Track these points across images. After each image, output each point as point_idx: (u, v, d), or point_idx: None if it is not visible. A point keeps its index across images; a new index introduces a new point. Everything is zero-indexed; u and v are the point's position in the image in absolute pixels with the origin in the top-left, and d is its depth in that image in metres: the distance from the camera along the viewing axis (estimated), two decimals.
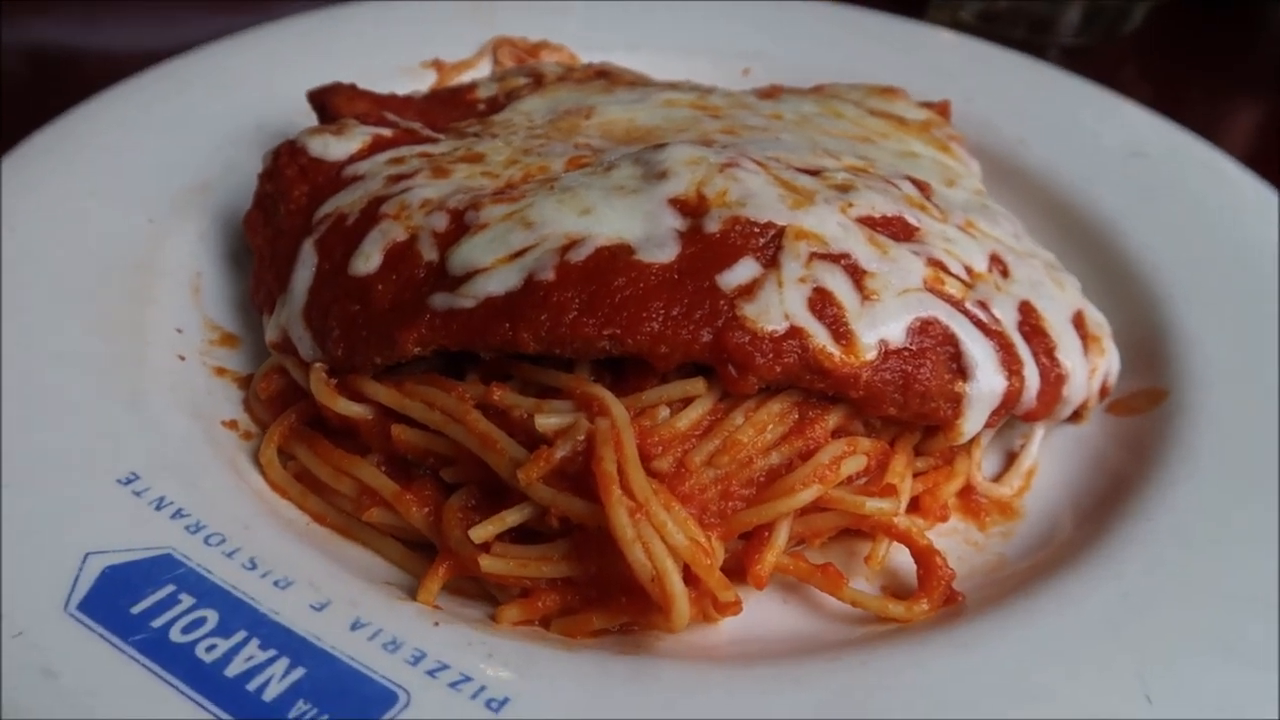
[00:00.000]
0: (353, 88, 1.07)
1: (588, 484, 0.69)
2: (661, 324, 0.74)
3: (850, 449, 0.77)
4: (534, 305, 0.75)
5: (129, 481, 0.72)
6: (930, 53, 1.39)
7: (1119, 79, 1.33)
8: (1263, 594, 0.71)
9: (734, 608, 0.71)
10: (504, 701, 0.61)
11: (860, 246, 0.80)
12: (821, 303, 0.76)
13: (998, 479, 0.88)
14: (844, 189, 0.86)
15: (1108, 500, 0.83)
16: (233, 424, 0.85)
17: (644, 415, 0.75)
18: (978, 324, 0.81)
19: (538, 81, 1.15)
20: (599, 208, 0.80)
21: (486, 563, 0.71)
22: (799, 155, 0.94)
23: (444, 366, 0.81)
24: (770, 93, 1.18)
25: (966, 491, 0.86)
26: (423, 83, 1.25)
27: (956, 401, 0.79)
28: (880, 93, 1.17)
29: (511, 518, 0.72)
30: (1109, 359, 0.90)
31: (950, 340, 0.79)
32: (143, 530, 0.68)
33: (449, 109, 1.10)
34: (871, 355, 0.76)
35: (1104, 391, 0.90)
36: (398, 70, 1.24)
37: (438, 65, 1.29)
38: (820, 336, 0.75)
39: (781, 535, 0.75)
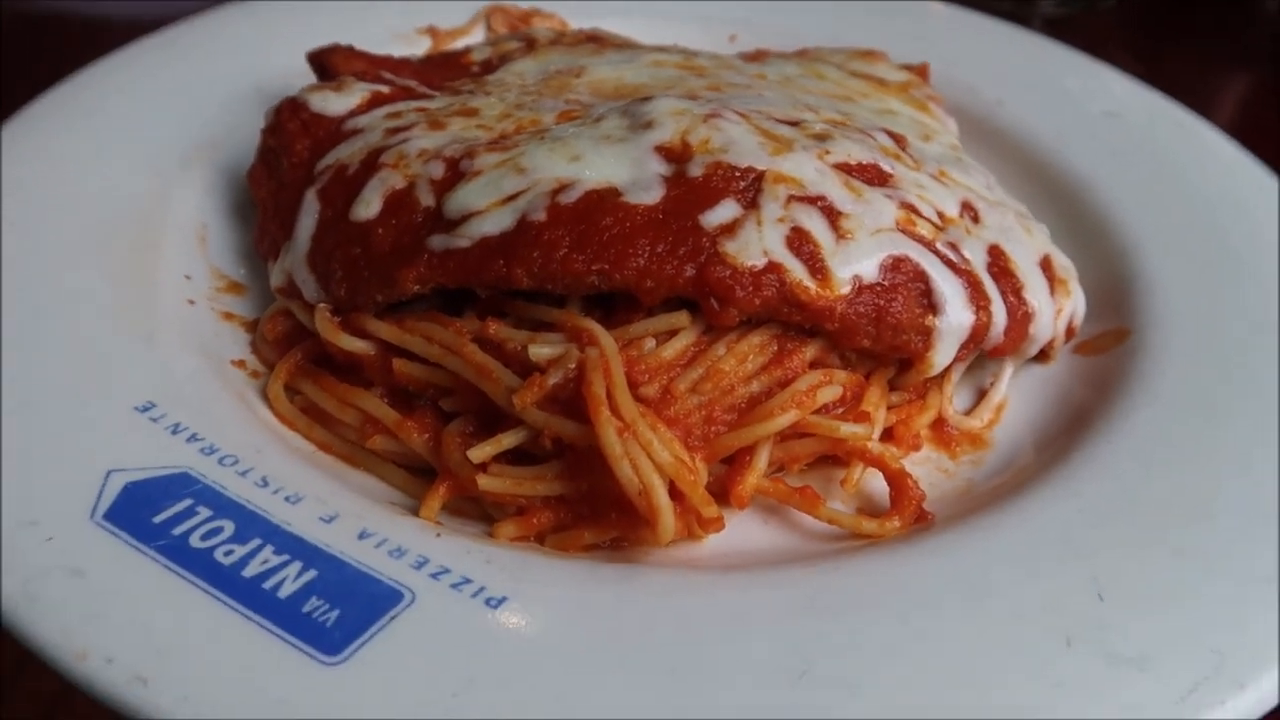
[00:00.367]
0: (350, 49, 1.11)
1: (578, 407, 0.73)
2: (647, 260, 0.78)
3: (827, 379, 0.82)
4: (527, 244, 0.79)
5: (146, 409, 0.76)
6: (915, 21, 1.42)
7: (1102, 52, 1.37)
8: (1210, 507, 0.75)
9: (717, 523, 0.75)
10: (502, 600, 0.65)
11: (836, 190, 0.85)
12: (799, 241, 0.81)
13: (969, 413, 0.92)
14: (822, 138, 0.90)
15: (1071, 430, 0.87)
16: (240, 363, 0.88)
17: (631, 346, 0.78)
18: (947, 263, 0.85)
19: (530, 45, 1.18)
20: (588, 155, 0.84)
21: (484, 481, 0.75)
22: (780, 109, 0.98)
23: (442, 305, 0.84)
24: (755, 56, 1.22)
25: (939, 424, 0.90)
26: (417, 49, 1.28)
27: (927, 334, 0.83)
28: (861, 55, 1.21)
29: (508, 440, 0.76)
30: (1075, 300, 0.94)
31: (921, 277, 0.83)
32: (161, 451, 0.72)
33: (444, 70, 1.14)
34: (846, 290, 0.80)
35: (1070, 332, 0.94)
36: (392, 37, 1.27)
37: (432, 32, 1.32)
38: (797, 272, 0.79)
39: (762, 459, 0.79)
